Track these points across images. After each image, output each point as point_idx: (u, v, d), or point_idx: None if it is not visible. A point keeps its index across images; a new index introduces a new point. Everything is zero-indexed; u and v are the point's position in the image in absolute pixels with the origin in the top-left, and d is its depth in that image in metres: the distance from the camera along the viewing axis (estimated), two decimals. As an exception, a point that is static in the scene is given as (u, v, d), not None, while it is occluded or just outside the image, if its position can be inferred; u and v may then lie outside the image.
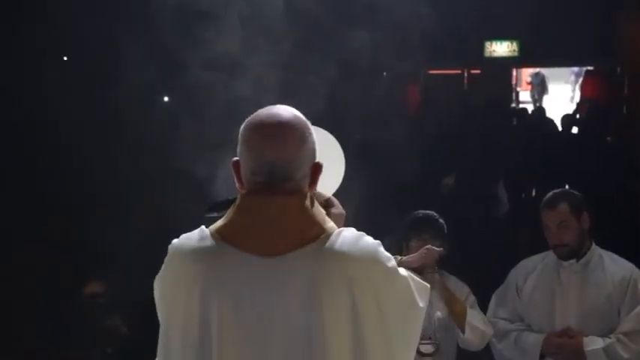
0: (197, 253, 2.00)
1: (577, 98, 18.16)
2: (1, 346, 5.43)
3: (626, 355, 3.89)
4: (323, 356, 1.93)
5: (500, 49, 14.46)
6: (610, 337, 3.92)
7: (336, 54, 4.85)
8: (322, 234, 1.98)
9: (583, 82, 17.19)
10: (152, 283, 2.11)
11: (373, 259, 1.99)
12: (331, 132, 2.40)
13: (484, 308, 4.17)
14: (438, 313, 3.94)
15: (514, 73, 17.96)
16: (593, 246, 4.07)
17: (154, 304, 2.15)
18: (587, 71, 17.05)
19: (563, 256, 4.03)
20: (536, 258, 4.21)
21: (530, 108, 16.34)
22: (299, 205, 1.99)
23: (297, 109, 2.08)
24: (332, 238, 1.98)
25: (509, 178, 9.95)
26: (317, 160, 2.06)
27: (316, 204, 2.04)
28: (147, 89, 7.16)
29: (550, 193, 4.08)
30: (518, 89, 19.52)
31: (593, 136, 10.62)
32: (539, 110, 13.75)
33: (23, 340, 5.55)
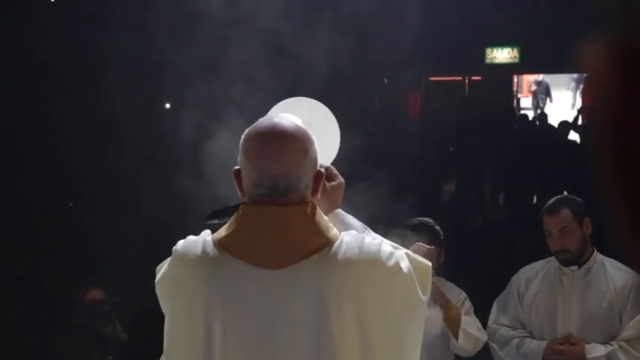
0: (200, 265, 1.98)
1: (578, 104, 18.15)
2: (1, 353, 5.42)
3: (628, 362, 3.88)
4: None
5: (501, 55, 14.44)
6: (612, 344, 3.91)
7: (337, 61, 4.85)
8: (326, 244, 1.97)
9: (584, 88, 17.19)
10: (153, 290, 2.09)
11: (376, 263, 1.98)
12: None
13: (483, 314, 4.16)
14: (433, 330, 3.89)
15: (515, 79, 17.94)
16: (595, 252, 4.06)
17: (155, 311, 2.14)
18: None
19: (566, 262, 4.02)
20: (537, 264, 4.19)
21: (531, 115, 16.33)
22: (302, 216, 1.98)
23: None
24: (335, 246, 1.97)
25: (510, 184, 9.95)
26: (319, 167, 2.04)
27: (319, 211, 2.02)
28: (147, 97, 7.16)
29: (552, 200, 4.07)
30: (519, 96, 19.50)
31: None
32: (541, 117, 13.75)
33: (23, 346, 5.54)
